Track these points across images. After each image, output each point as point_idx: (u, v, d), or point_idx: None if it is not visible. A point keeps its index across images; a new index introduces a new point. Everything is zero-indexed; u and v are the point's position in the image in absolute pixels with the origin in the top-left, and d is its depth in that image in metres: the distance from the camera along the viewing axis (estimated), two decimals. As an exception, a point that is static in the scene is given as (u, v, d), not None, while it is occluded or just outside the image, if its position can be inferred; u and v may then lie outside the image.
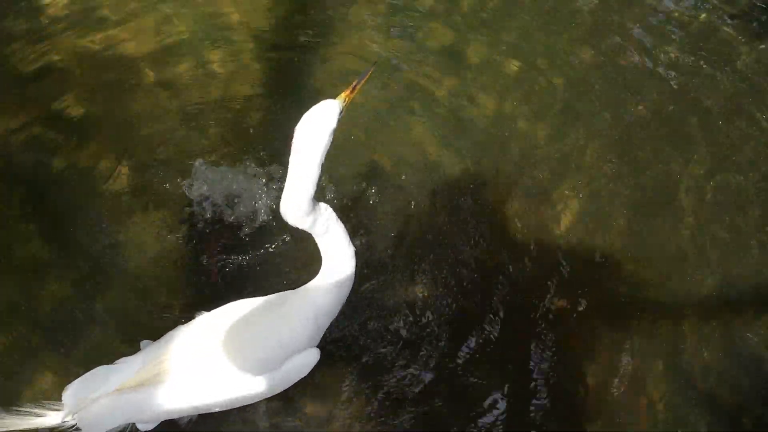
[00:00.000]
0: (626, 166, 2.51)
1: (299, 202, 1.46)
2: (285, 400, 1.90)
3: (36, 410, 1.57)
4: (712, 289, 2.22)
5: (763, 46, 2.88)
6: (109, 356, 1.84)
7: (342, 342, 2.03)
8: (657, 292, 2.24)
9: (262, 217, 2.25)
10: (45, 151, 2.37)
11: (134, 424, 1.58)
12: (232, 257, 2.18)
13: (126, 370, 1.55)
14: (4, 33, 2.67)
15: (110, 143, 2.41)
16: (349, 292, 1.71)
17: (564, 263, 2.25)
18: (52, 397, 1.59)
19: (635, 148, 2.57)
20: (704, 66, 2.82)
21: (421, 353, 2.04)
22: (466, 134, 2.57)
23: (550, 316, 2.14)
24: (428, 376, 2.00)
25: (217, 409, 1.61)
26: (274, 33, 2.79)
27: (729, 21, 2.99)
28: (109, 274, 2.13)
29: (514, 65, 2.78)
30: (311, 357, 1.64)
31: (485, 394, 1.99)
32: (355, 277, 1.70)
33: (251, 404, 1.71)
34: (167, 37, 2.73)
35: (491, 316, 2.12)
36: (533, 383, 2.01)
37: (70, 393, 1.53)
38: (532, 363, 2.05)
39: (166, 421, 1.63)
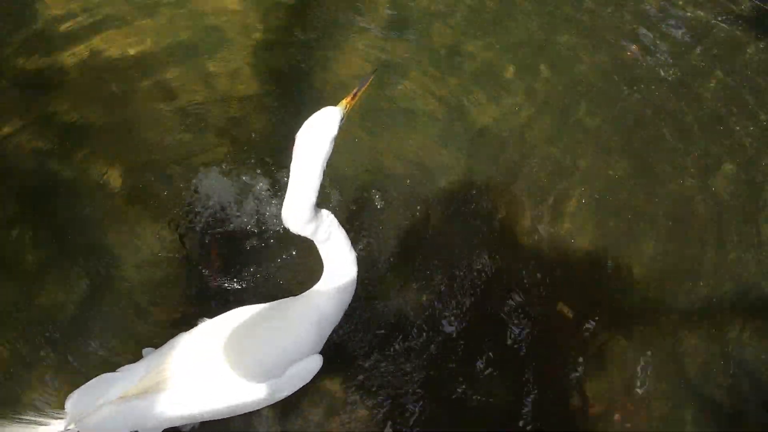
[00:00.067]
0: (628, 169, 2.51)
1: (301, 209, 1.45)
2: (286, 406, 1.90)
3: (38, 419, 1.57)
4: (712, 295, 2.22)
5: (762, 45, 2.88)
6: (108, 362, 1.86)
7: (343, 347, 2.03)
8: (658, 296, 2.24)
9: (263, 223, 2.24)
10: (42, 156, 2.36)
11: (137, 432, 1.58)
12: (232, 263, 2.17)
13: (129, 377, 1.55)
14: (4, 41, 2.66)
15: (109, 148, 2.40)
16: (351, 297, 1.71)
17: (565, 268, 2.25)
18: (53, 404, 1.59)
19: (637, 151, 2.57)
20: (707, 65, 2.82)
21: (423, 358, 2.04)
22: (466, 137, 2.56)
23: (553, 321, 2.14)
24: (429, 381, 2.00)
25: (220, 417, 1.61)
26: (274, 37, 2.77)
27: (732, 20, 2.98)
28: (108, 280, 2.12)
29: (513, 66, 2.77)
30: (314, 363, 1.63)
31: (487, 400, 1.99)
32: (357, 282, 1.70)
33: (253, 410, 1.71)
34: (167, 42, 2.71)
35: (493, 321, 2.12)
36: (534, 389, 2.01)
37: (72, 401, 1.52)
38: (533, 368, 2.05)
39: (169, 429, 1.63)
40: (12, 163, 2.35)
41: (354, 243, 1.66)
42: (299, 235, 1.53)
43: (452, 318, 2.12)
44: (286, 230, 1.52)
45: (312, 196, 1.44)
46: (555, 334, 2.12)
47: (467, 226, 2.34)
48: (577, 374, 2.05)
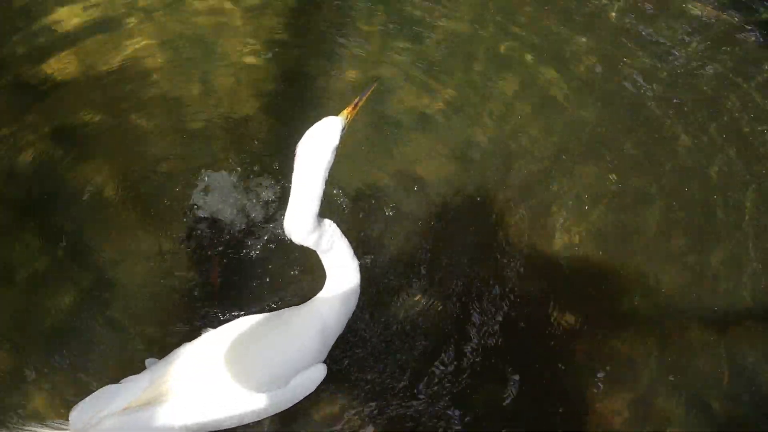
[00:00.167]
0: (632, 180, 2.50)
1: (303, 219, 1.45)
2: (288, 414, 1.89)
3: (42, 430, 1.57)
4: (716, 303, 2.21)
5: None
6: (112, 372, 1.86)
7: (347, 355, 2.03)
8: (661, 305, 2.23)
9: (265, 232, 2.24)
10: (48, 165, 2.37)
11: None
12: (234, 273, 2.17)
13: (133, 388, 1.55)
14: (11, 50, 2.68)
15: (114, 157, 2.41)
16: (355, 306, 1.71)
17: (569, 277, 2.24)
18: (56, 415, 1.59)
19: (642, 162, 2.55)
20: (720, 74, 2.81)
21: (425, 365, 2.03)
22: (471, 148, 2.55)
23: (556, 329, 2.13)
24: (431, 388, 1.99)
25: (223, 428, 1.60)
26: (276, 47, 2.77)
27: (749, 29, 2.97)
28: (112, 290, 2.12)
29: (514, 82, 2.76)
30: (318, 373, 1.63)
31: (488, 408, 1.99)
32: (361, 291, 1.70)
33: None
34: (172, 52, 2.73)
35: (496, 330, 2.11)
36: (535, 395, 2.01)
37: (77, 412, 1.53)
38: (535, 376, 2.05)
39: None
40: (11, 170, 2.35)
41: (360, 253, 1.65)
42: (302, 245, 1.53)
43: (455, 328, 2.12)
44: (289, 239, 1.52)
45: (314, 206, 1.45)
46: (560, 344, 2.10)
47: (469, 237, 2.33)
48: (579, 379, 2.06)
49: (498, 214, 2.39)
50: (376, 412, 1.96)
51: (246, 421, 1.61)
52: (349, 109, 1.50)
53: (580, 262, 2.30)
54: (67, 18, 2.78)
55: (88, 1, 2.83)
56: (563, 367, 2.07)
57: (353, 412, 1.96)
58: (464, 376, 2.02)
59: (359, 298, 1.71)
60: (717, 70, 2.85)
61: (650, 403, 2.03)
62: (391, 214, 2.34)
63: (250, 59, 2.73)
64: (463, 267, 2.25)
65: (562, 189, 2.46)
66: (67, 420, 1.53)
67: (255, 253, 2.21)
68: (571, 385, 2.06)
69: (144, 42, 2.74)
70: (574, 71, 2.81)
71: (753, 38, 2.96)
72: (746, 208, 2.43)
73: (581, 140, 2.61)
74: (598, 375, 2.06)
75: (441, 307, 2.15)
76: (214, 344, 1.61)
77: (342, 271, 1.63)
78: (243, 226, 2.26)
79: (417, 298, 2.17)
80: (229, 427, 1.61)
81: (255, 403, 1.56)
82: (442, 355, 2.05)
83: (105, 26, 2.78)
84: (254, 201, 2.29)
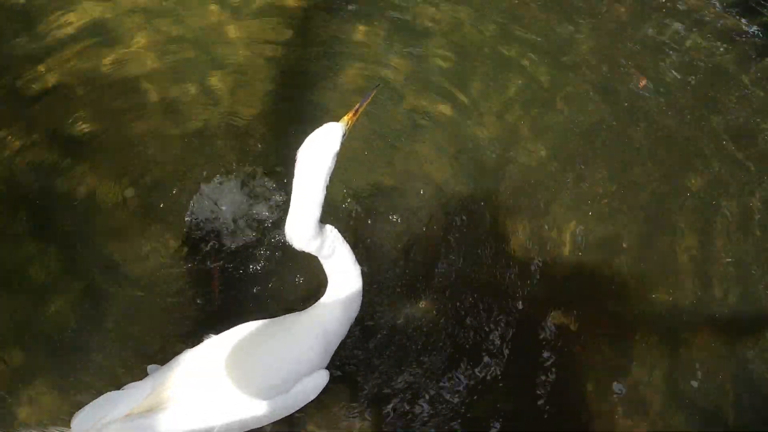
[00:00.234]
0: (629, 185, 2.49)
1: (305, 225, 1.45)
2: (289, 420, 1.89)
3: (45, 437, 1.57)
4: (714, 308, 2.21)
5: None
6: (112, 378, 1.86)
7: (348, 361, 2.03)
8: (658, 311, 2.23)
9: (267, 238, 2.24)
10: (48, 172, 2.37)
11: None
12: (236, 279, 2.17)
13: (135, 395, 1.55)
14: (9, 54, 2.68)
15: (114, 163, 2.40)
16: (357, 311, 1.70)
17: (568, 282, 2.24)
18: (56, 421, 1.59)
19: (638, 168, 2.55)
20: (720, 74, 2.81)
21: (426, 370, 2.03)
22: (470, 153, 2.55)
23: (556, 330, 2.13)
24: (431, 393, 1.99)
25: (226, 434, 1.60)
26: (277, 53, 2.77)
27: (752, 30, 2.97)
28: (113, 296, 2.12)
29: (516, 84, 2.76)
30: (320, 379, 1.63)
31: (488, 408, 1.98)
32: (363, 296, 1.69)
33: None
34: (171, 58, 2.72)
35: (496, 332, 2.11)
36: (536, 400, 2.01)
37: (79, 419, 1.52)
38: (535, 380, 2.04)
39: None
40: (18, 177, 2.36)
41: (362, 258, 1.65)
42: (303, 251, 1.53)
43: (455, 332, 2.11)
44: (290, 245, 1.51)
45: (315, 211, 1.44)
46: (558, 348, 2.10)
47: (471, 242, 2.32)
48: (579, 380, 2.06)
49: (499, 215, 2.39)
50: (375, 413, 1.96)
51: (249, 428, 1.60)
52: (350, 114, 1.49)
53: (581, 263, 2.29)
54: (65, 21, 2.78)
55: (87, 4, 2.83)
56: (563, 368, 2.06)
57: (353, 412, 1.96)
58: (464, 377, 2.02)
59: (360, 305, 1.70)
60: (718, 69, 2.85)
61: (650, 404, 2.03)
62: (394, 218, 2.34)
63: (249, 61, 2.73)
64: (464, 269, 2.24)
65: (564, 189, 2.46)
66: (69, 427, 1.52)
67: (255, 259, 2.20)
68: (571, 385, 2.06)
69: (143, 42, 2.74)
70: (575, 71, 2.80)
71: (755, 39, 2.96)
72: (752, 209, 2.43)
73: (582, 141, 2.60)
74: (598, 376, 2.06)
75: (441, 309, 2.15)
76: (216, 350, 1.60)
77: (344, 277, 1.63)
78: (243, 231, 2.25)
79: (419, 302, 2.17)
80: (232, 433, 1.61)
81: (257, 410, 1.55)
82: (442, 355, 2.06)
83: (104, 28, 2.78)
84: (255, 206, 2.29)
